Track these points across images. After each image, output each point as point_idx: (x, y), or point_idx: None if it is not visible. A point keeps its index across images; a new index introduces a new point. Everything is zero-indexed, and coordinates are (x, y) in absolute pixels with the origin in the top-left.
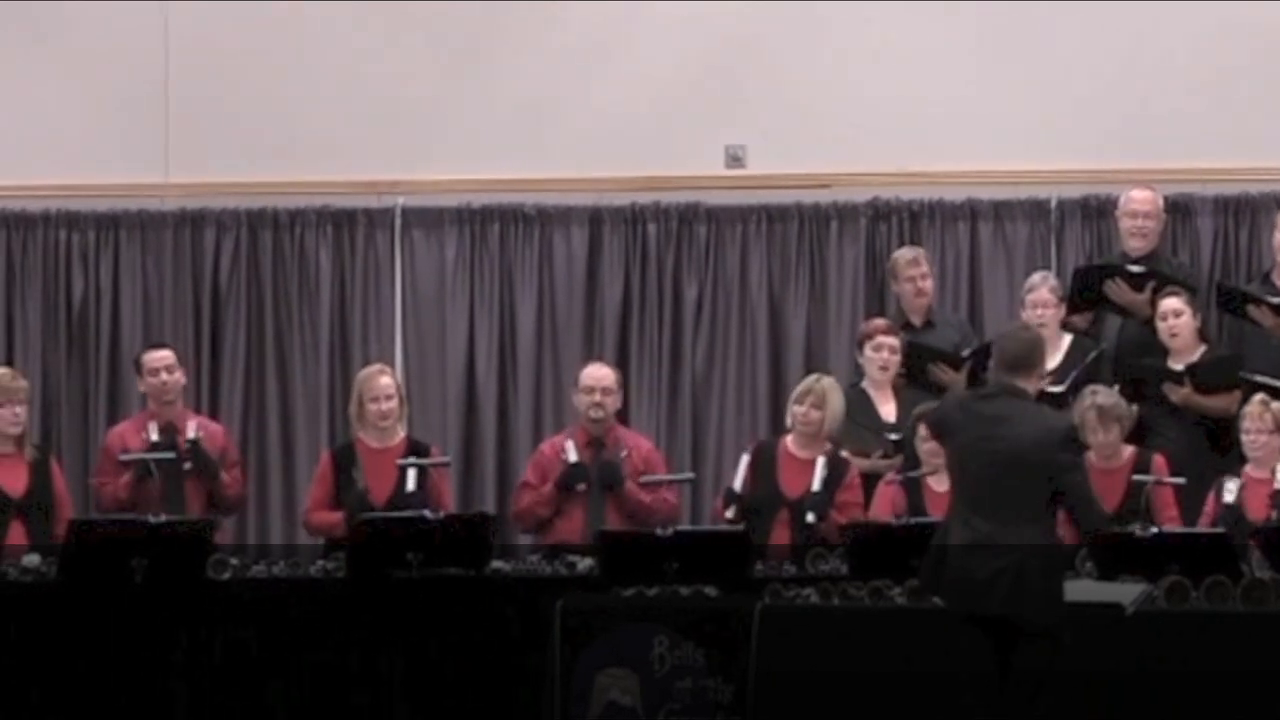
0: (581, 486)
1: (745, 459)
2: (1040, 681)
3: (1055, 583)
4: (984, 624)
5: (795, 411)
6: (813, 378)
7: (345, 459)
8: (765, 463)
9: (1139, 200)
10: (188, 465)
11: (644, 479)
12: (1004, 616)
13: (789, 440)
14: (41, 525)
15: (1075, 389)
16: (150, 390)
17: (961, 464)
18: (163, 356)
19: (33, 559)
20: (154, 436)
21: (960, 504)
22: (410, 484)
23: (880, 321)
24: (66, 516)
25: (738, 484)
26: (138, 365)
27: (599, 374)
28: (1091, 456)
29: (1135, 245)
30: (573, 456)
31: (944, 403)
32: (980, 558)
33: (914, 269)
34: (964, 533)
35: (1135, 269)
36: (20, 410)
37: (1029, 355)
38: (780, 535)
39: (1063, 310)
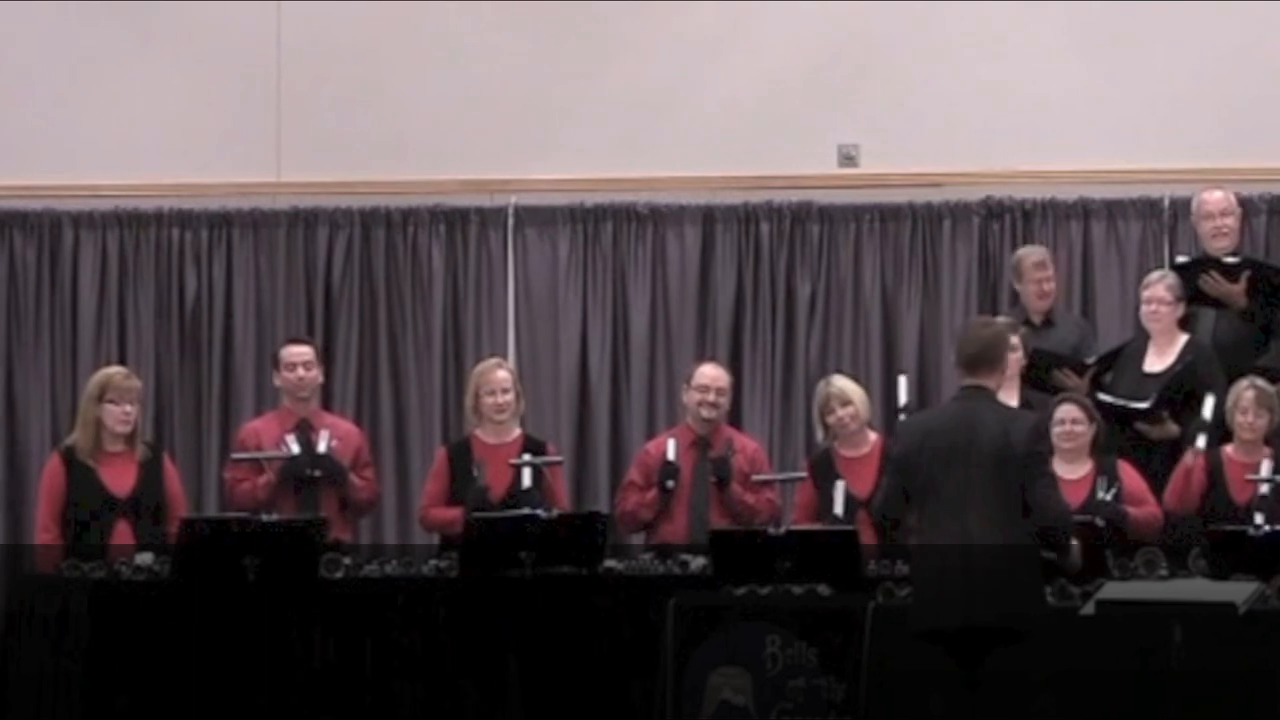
0: (671, 484)
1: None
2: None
3: (1039, 582)
4: (951, 636)
5: (830, 422)
6: (821, 385)
7: (461, 455)
8: (824, 473)
9: (1214, 202)
10: (317, 473)
11: (755, 478)
12: (988, 626)
13: (839, 448)
14: (148, 524)
15: (1160, 404)
16: (286, 385)
17: (932, 476)
18: (301, 352)
19: (145, 557)
20: (294, 449)
21: (932, 516)
22: (526, 480)
23: None
24: (179, 515)
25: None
26: (275, 360)
27: (714, 374)
28: (1229, 450)
29: (1220, 246)
30: (671, 455)
31: (902, 434)
32: (961, 567)
33: (1040, 272)
34: (940, 542)
35: (1230, 260)
36: (131, 409)
37: (987, 353)
38: (865, 537)
39: (1180, 308)
